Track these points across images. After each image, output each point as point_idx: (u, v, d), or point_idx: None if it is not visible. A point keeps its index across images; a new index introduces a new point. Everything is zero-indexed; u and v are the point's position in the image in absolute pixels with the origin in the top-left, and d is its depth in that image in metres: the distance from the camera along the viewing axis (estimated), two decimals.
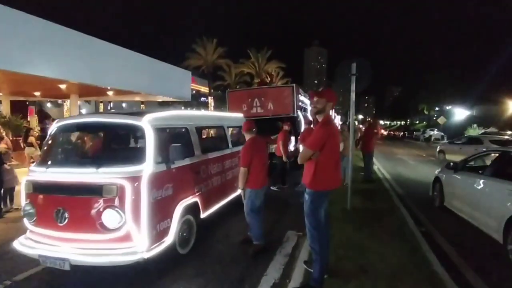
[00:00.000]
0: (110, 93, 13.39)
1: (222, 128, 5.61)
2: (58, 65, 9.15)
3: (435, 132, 38.59)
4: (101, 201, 3.13)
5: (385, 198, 6.87)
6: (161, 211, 3.46)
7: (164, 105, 28.75)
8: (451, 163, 5.92)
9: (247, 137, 4.36)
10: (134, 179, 3.16)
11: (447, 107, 50.33)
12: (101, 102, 28.00)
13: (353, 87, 5.24)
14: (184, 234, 4.01)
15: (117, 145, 4.60)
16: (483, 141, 13.15)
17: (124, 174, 3.16)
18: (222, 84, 37.45)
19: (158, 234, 3.41)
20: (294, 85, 10.91)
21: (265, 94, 10.86)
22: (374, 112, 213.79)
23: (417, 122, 77.23)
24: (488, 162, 5.34)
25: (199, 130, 4.85)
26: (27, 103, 21.46)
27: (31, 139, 10.15)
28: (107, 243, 3.16)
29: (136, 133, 3.60)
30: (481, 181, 4.70)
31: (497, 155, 5.02)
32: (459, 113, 40.29)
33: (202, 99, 43.04)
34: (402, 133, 53.44)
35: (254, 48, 35.21)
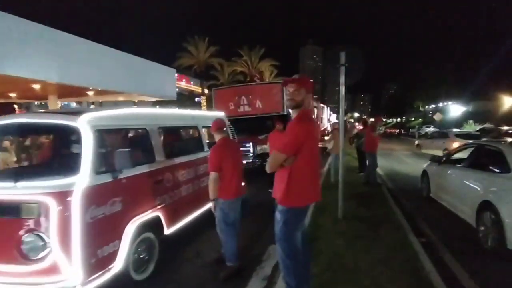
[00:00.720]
0: (90, 93, 12.65)
1: (196, 128, 4.94)
2: (29, 63, 8.43)
3: (431, 129, 38.18)
4: (20, 223, 2.46)
5: (381, 201, 6.25)
6: (103, 232, 2.80)
7: (158, 104, 28.11)
8: (436, 157, 6.50)
9: (217, 137, 3.69)
10: (63, 194, 2.50)
11: (443, 104, 50.02)
12: (93, 103, 27.25)
13: (342, 79, 4.60)
14: (142, 256, 3.35)
15: (48, 151, 3.91)
16: (448, 134, 15.09)
17: (50, 189, 2.49)
18: (215, 83, 36.74)
19: (100, 261, 2.75)
20: (283, 80, 10.28)
21: (253, 92, 10.21)
22: (370, 109, 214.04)
23: (413, 119, 76.91)
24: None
25: (165, 131, 4.18)
26: (15, 105, 20.53)
27: (6, 143, 9.42)
28: (29, 276, 2.49)
29: (70, 136, 2.94)
30: (459, 172, 5.26)
31: (473, 148, 5.48)
32: (455, 109, 39.94)
33: (197, 99, 42.31)
34: (398, 130, 53.01)
35: (247, 46, 34.55)
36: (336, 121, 34.53)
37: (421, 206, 6.25)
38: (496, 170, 4.30)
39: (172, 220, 3.84)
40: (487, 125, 27.23)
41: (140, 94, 12.68)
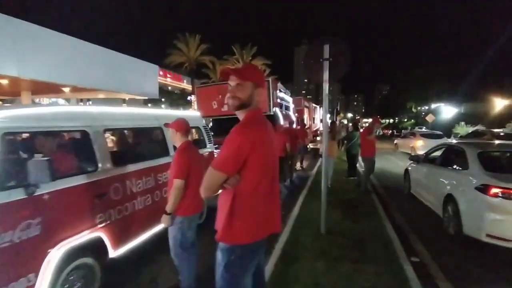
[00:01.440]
0: (66, 90, 11.85)
1: (160, 130, 4.30)
2: None
3: (423, 130, 38.04)
4: None
5: (370, 212, 5.70)
6: (11, 264, 2.18)
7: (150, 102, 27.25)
8: (415, 156, 7.18)
9: (180, 140, 3.05)
10: None
11: (435, 105, 50.01)
12: (81, 100, 26.36)
13: (325, 75, 4.03)
14: (76, 287, 2.74)
15: None
16: (415, 134, 17.74)
17: None
18: (207, 82, 35.99)
19: None
20: (270, 79, 9.68)
21: None
22: (363, 110, 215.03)
23: (406, 120, 77.03)
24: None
25: (114, 133, 3.55)
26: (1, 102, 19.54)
27: None
28: None
29: None
30: (431, 170, 5.87)
31: (444, 148, 6.06)
32: (447, 111, 39.84)
33: (189, 98, 41.46)
34: (390, 131, 52.93)
35: (239, 44, 33.88)
36: (333, 120, 34.27)
37: (402, 202, 6.71)
38: (459, 167, 4.87)
39: (120, 241, 3.22)
40: (479, 127, 27.05)
41: (118, 91, 11.86)
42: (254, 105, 1.70)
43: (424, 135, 16.85)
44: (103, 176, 3.06)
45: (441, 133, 18.12)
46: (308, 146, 12.39)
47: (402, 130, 43.13)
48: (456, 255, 4.00)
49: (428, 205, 5.72)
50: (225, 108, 9.69)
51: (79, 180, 2.79)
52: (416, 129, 28.91)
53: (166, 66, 35.41)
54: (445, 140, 13.76)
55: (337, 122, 39.19)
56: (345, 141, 9.19)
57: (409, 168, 7.18)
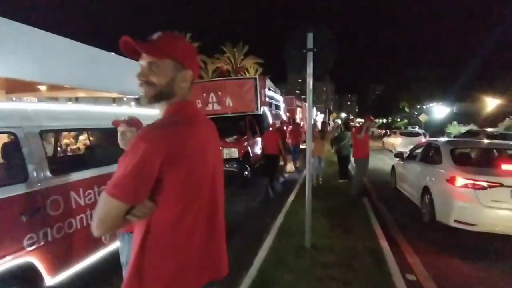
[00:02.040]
0: (42, 88, 11.19)
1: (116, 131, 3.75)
2: None
3: (416, 130, 37.95)
4: None
5: (362, 221, 5.22)
6: None
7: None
8: (399, 153, 7.50)
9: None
10: None
11: (428, 105, 50.09)
12: (69, 99, 25.61)
13: (309, 69, 3.54)
14: None
15: None
16: (396, 132, 19.60)
17: None
18: (199, 81, 35.31)
19: None
20: (257, 76, 9.18)
21: (222, 88, 9.07)
22: (357, 110, 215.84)
23: (398, 120, 77.23)
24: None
25: (54, 135, 3.01)
26: None
27: None
28: None
29: None
30: (412, 165, 6.31)
31: (424, 146, 6.58)
32: (440, 111, 39.79)
33: None
34: (383, 131, 52.86)
35: (230, 43, 33.28)
36: (324, 120, 33.86)
37: (388, 195, 7.29)
38: (434, 163, 5.34)
39: (59, 265, 2.68)
40: (472, 127, 26.94)
41: (99, 90, 11.22)
42: (179, 95, 1.17)
43: (403, 134, 18.59)
44: (36, 187, 2.52)
45: (419, 131, 19.85)
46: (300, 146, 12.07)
47: (395, 130, 43.11)
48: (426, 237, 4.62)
49: (409, 197, 6.21)
50: (210, 106, 9.18)
51: (3, 193, 2.25)
52: (403, 129, 31.00)
53: None
54: (421, 138, 16.02)
55: (331, 122, 39.04)
56: (337, 142, 8.72)
57: (395, 165, 7.74)
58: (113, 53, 11.07)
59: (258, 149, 9.69)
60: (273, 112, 11.89)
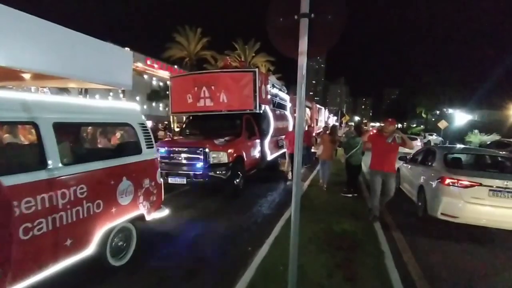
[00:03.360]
0: (26, 76, 10.34)
1: (36, 125, 2.68)
2: None
3: (433, 137, 35.96)
4: None
5: (373, 259, 3.98)
6: None
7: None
8: (403, 157, 7.64)
9: None
10: None
11: (447, 111, 47.78)
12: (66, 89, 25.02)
13: (303, 44, 2.32)
14: None
15: None
16: None
17: None
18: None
19: None
20: (256, 69, 7.95)
21: (216, 81, 7.90)
22: (371, 114, 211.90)
23: (414, 125, 74.56)
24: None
25: None
26: None
27: None
28: None
29: None
30: (413, 167, 7.02)
31: (424, 150, 7.37)
32: (460, 118, 37.64)
33: None
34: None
35: (241, 40, 32.24)
36: (334, 123, 32.23)
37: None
38: (430, 165, 6.07)
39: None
40: (494, 136, 24.98)
41: (83, 80, 10.18)
42: None
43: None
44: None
45: (415, 137, 23.29)
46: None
47: (412, 136, 41.27)
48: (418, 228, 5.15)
49: (409, 195, 6.82)
50: (202, 102, 8.04)
51: None
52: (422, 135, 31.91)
53: (165, 60, 33.92)
54: (417, 142, 18.67)
55: (343, 125, 37.36)
56: (346, 148, 7.45)
57: (399, 167, 7.93)
58: (101, 40, 10.04)
59: (256, 153, 8.50)
60: (278, 112, 10.67)
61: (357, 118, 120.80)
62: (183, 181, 6.37)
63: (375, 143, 5.48)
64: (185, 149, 6.61)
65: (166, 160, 6.66)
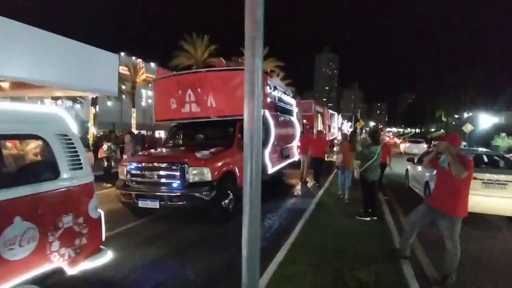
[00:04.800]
0: (5, 85, 9.46)
1: None
2: None
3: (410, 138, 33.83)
4: None
5: None
6: None
7: None
8: (411, 158, 9.01)
9: None
10: None
11: (468, 114, 45.12)
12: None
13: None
14: None
15: None
16: (405, 140, 25.85)
17: None
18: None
19: None
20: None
21: (203, 83, 6.68)
22: (386, 119, 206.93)
23: (433, 129, 71.46)
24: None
25: None
26: None
27: None
28: None
29: None
30: (419, 167, 7.76)
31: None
32: (484, 120, 35.15)
33: None
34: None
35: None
36: (349, 130, 30.48)
37: (402, 192, 8.70)
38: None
39: None
40: None
41: (64, 88, 9.17)
42: None
43: (410, 141, 27.07)
44: None
45: (421, 140, 27.39)
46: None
47: (432, 141, 39.06)
48: None
49: (416, 191, 7.83)
50: (187, 108, 6.83)
51: None
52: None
53: (172, 69, 33.35)
54: (423, 145, 23.08)
55: (362, 131, 35.48)
56: (359, 160, 6.05)
57: (408, 167, 9.26)
58: (83, 43, 8.98)
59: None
60: (282, 118, 9.39)
61: (372, 124, 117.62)
62: (156, 205, 5.11)
63: (436, 169, 3.95)
64: (159, 164, 5.36)
65: (137, 179, 5.44)
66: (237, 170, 6.19)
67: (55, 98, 17.89)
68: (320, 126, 18.96)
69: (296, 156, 10.97)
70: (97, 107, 26.96)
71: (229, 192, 5.80)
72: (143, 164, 5.45)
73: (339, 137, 27.35)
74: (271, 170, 7.84)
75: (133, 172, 5.46)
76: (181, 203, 5.09)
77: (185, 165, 5.16)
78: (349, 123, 37.61)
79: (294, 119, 11.18)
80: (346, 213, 6.15)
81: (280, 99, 9.66)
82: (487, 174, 5.76)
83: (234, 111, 6.64)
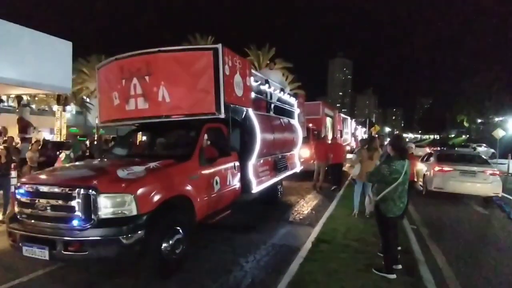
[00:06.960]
0: None
1: None
2: None
3: (482, 148, 30.58)
4: None
5: None
6: None
7: None
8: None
9: None
10: None
11: (493, 118, 41.72)
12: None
13: None
14: None
15: None
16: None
17: None
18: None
19: None
20: (220, 45, 4.68)
21: (153, 68, 4.69)
22: (402, 125, 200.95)
23: (453, 135, 67.60)
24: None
25: None
26: None
27: None
28: None
29: None
30: (422, 164, 10.00)
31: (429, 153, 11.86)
32: None
33: None
34: (439, 149, 45.34)
35: (255, 45, 29.47)
36: (364, 136, 27.93)
37: (432, 213, 7.85)
38: (430, 161, 9.95)
39: None
40: None
41: (11, 83, 7.16)
42: None
43: (417, 146, 28.44)
44: None
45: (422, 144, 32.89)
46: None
47: (456, 148, 36.13)
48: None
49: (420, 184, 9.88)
50: (132, 104, 4.93)
51: None
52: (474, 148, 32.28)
53: None
54: (427, 149, 21.68)
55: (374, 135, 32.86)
56: (372, 183, 3.96)
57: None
58: (28, 28, 7.16)
59: (229, 185, 5.23)
60: (276, 122, 7.40)
61: (388, 129, 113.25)
62: (44, 254, 3.16)
63: None
64: (52, 189, 3.40)
65: (27, 210, 3.51)
66: (195, 193, 4.19)
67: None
68: (330, 131, 16.72)
69: (297, 167, 8.94)
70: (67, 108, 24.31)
71: (176, 228, 3.79)
72: (34, 188, 3.49)
73: (352, 143, 24.94)
74: (256, 188, 5.80)
75: (22, 199, 3.53)
76: (82, 253, 3.11)
77: (92, 190, 3.19)
78: (364, 129, 35.00)
79: (294, 122, 9.12)
80: (355, 256, 4.04)
81: (274, 97, 7.65)
82: (463, 167, 8.69)
83: (194, 108, 4.67)
